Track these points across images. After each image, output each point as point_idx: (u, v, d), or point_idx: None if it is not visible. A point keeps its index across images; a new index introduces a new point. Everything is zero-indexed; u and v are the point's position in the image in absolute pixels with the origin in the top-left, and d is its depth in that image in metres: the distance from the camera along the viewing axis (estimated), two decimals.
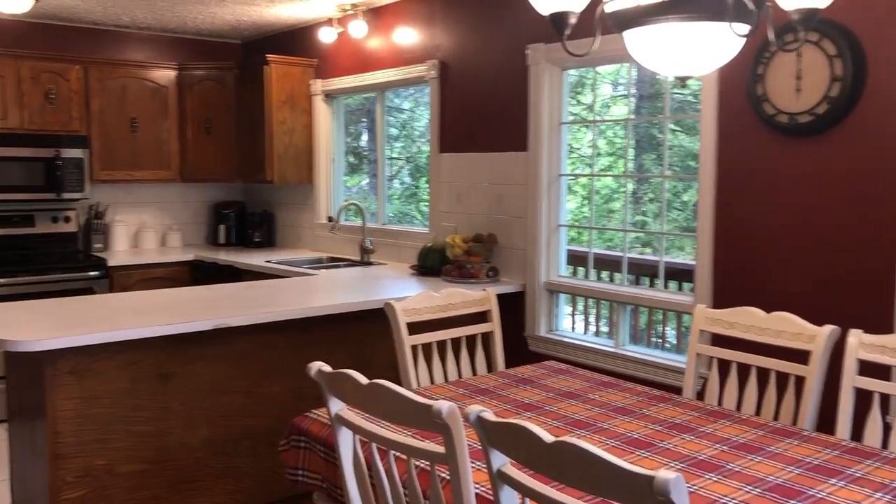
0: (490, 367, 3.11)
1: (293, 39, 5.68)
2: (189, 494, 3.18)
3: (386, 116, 5.22)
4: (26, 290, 4.80)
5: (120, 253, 5.56)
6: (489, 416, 1.52)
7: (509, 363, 3.19)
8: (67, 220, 5.48)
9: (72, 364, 2.86)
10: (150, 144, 5.60)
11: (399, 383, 2.07)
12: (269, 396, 3.38)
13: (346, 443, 1.94)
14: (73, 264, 5.08)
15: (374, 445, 1.84)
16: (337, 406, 1.92)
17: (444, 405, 1.58)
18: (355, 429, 1.88)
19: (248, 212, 6.10)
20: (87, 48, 5.53)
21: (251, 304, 3.45)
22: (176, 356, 3.11)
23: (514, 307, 4.06)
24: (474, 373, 3.05)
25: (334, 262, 5.11)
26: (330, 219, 5.25)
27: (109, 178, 5.47)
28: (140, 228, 5.87)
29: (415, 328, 2.90)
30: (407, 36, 4.72)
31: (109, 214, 5.74)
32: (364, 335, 3.62)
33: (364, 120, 5.67)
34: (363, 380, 1.77)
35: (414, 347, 2.88)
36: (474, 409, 1.53)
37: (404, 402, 1.68)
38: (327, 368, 1.91)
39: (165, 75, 5.64)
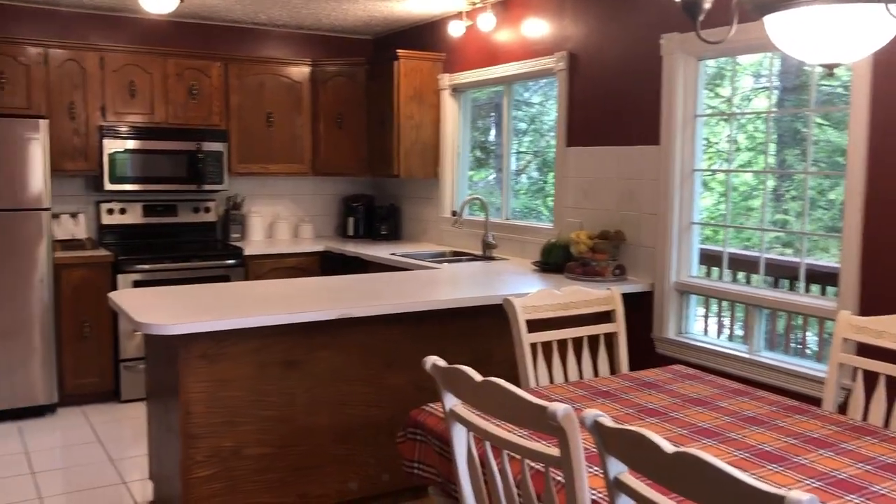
0: (613, 368, 3.01)
1: (422, 34, 5.72)
2: (311, 479, 3.26)
3: (514, 111, 5.17)
4: (168, 276, 5.08)
5: (256, 243, 5.78)
6: (606, 421, 1.45)
7: (634, 366, 3.08)
8: (207, 210, 5.76)
9: (203, 348, 2.99)
10: (284, 139, 5.79)
11: (517, 382, 2.02)
12: (390, 387, 3.41)
13: (461, 439, 1.91)
14: (211, 252, 5.33)
15: (487, 444, 1.81)
16: (451, 401, 1.89)
17: (559, 408, 1.52)
18: (469, 426, 1.85)
19: (376, 205, 6.20)
20: (227, 46, 5.78)
21: (374, 295, 3.49)
22: (301, 344, 3.19)
23: (641, 307, 3.92)
24: (596, 374, 2.95)
25: (457, 257, 5.11)
26: (454, 213, 5.25)
27: (246, 171, 5.69)
28: (274, 220, 6.09)
29: (535, 326, 2.84)
30: (536, 27, 4.65)
31: (246, 206, 5.98)
32: (484, 331, 3.59)
33: (492, 114, 5.64)
34: (477, 377, 1.73)
35: (533, 346, 2.82)
36: (591, 413, 1.47)
37: (518, 402, 1.63)
38: (442, 363, 1.88)
39: (300, 71, 5.81)
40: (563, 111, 4.45)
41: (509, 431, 1.82)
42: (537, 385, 2.76)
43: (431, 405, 2.36)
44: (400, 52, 5.39)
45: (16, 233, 4.59)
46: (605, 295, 3.03)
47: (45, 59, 4.93)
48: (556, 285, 3.25)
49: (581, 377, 2.91)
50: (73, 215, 5.26)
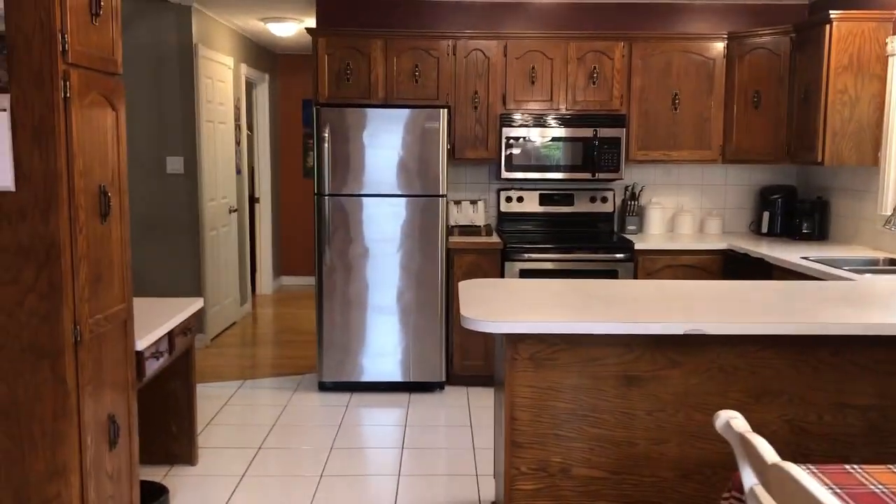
0: None
1: None
2: None
3: None
4: (553, 266, 4.93)
5: (653, 237, 5.34)
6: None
7: None
8: (605, 200, 5.48)
9: (532, 350, 2.71)
10: (690, 122, 5.23)
11: None
12: (757, 423, 2.74)
13: None
14: (600, 245, 5.03)
15: None
16: (751, 479, 1.32)
17: None
18: None
19: (798, 198, 5.28)
20: (631, 24, 5.41)
21: (749, 308, 2.85)
22: (646, 358, 2.72)
23: None
24: None
25: (892, 266, 4.05)
26: None
27: (645, 159, 5.27)
28: (677, 212, 5.56)
29: None
30: None
31: (646, 196, 5.57)
32: None
33: None
34: (768, 455, 1.15)
35: None
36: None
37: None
38: (739, 424, 1.32)
39: (713, 47, 5.17)
40: None
41: None
42: None
43: None
44: (834, 13, 4.44)
45: (419, 218, 4.85)
46: None
47: (454, 50, 5.11)
48: None
49: None
50: (474, 202, 5.41)
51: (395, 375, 4.95)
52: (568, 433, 2.75)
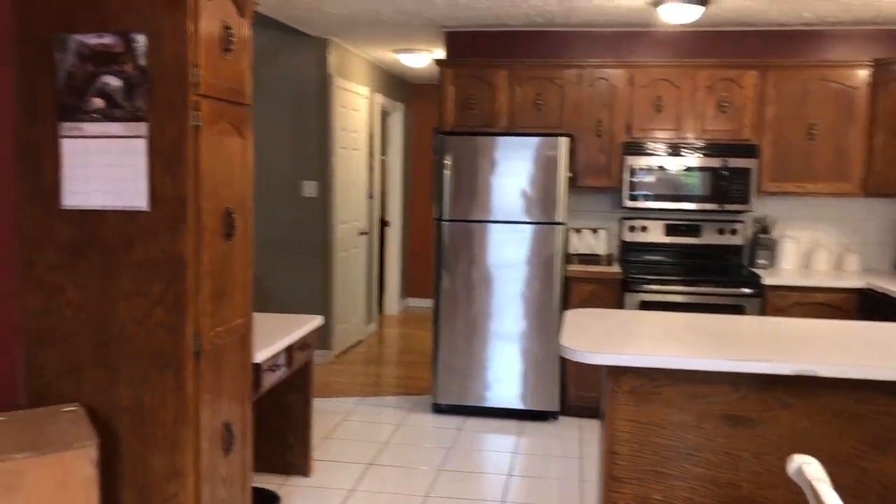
0: None
1: None
2: None
3: None
4: (675, 299, 4.81)
5: (785, 272, 5.09)
6: None
7: None
8: (734, 232, 5.29)
9: (633, 384, 2.67)
10: (827, 153, 4.98)
11: None
12: (879, 474, 2.58)
13: None
14: (725, 279, 4.86)
15: None
16: None
17: None
18: None
19: None
20: (764, 51, 5.22)
21: (876, 351, 2.68)
22: (754, 398, 2.62)
23: None
24: None
25: None
26: None
27: (779, 191, 5.06)
28: (812, 247, 5.29)
29: None
30: None
31: (778, 229, 5.33)
32: None
33: None
34: (831, 501, 1.10)
35: None
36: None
37: None
38: (811, 470, 1.26)
39: (856, 74, 4.92)
40: None
41: None
42: None
43: None
44: None
45: (537, 246, 4.87)
46: None
47: (579, 79, 5.12)
48: None
49: None
50: (594, 231, 5.36)
51: (510, 402, 4.96)
52: (669, 471, 2.68)
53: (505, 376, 4.96)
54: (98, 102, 2.48)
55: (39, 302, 2.59)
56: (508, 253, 4.91)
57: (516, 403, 4.95)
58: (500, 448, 4.46)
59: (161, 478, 2.61)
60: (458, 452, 4.37)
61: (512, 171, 4.87)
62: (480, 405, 5.00)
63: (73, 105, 2.50)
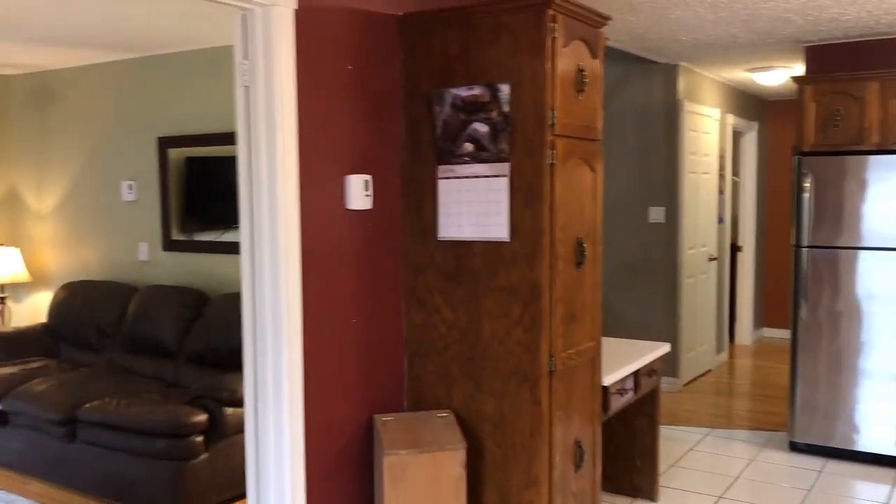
0: None
1: None
2: None
3: None
4: None
5: None
6: None
7: None
8: None
9: None
10: None
11: None
12: None
13: None
14: None
15: None
16: None
17: None
18: None
19: None
20: None
21: None
22: None
23: None
24: None
25: None
26: None
27: None
28: None
29: None
30: None
31: None
32: None
33: None
34: None
35: None
36: None
37: None
38: None
39: None
40: None
41: None
42: None
43: None
44: None
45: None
46: None
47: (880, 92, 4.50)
48: None
49: None
50: None
51: (884, 448, 4.47)
52: None
53: (878, 418, 4.49)
54: (468, 147, 2.82)
55: (420, 319, 3.00)
56: (881, 282, 4.46)
57: (891, 450, 4.45)
58: (871, 497, 4.05)
59: (519, 485, 2.85)
60: (818, 496, 4.06)
61: (886, 192, 4.43)
62: (846, 448, 4.58)
63: (448, 150, 2.87)
